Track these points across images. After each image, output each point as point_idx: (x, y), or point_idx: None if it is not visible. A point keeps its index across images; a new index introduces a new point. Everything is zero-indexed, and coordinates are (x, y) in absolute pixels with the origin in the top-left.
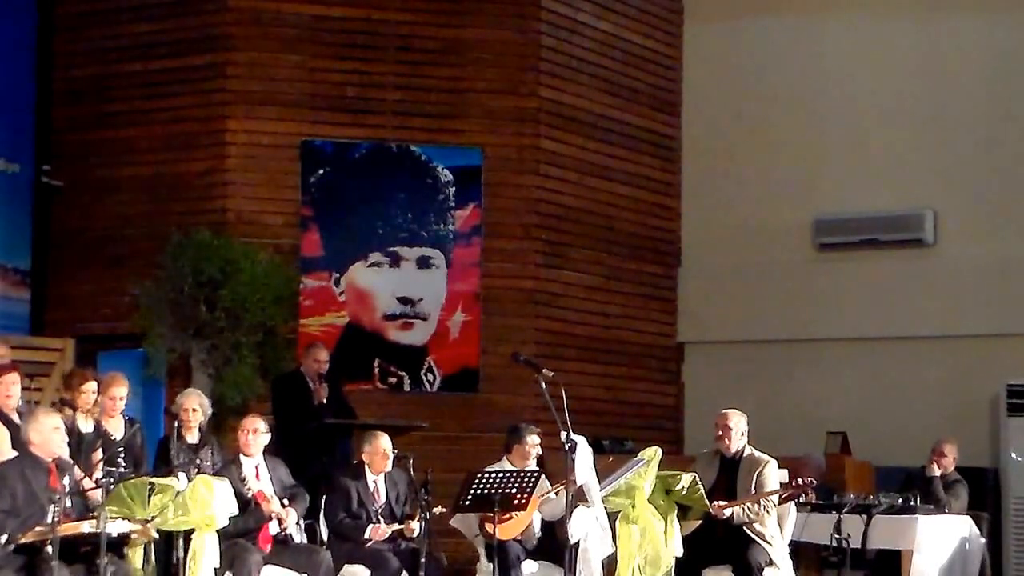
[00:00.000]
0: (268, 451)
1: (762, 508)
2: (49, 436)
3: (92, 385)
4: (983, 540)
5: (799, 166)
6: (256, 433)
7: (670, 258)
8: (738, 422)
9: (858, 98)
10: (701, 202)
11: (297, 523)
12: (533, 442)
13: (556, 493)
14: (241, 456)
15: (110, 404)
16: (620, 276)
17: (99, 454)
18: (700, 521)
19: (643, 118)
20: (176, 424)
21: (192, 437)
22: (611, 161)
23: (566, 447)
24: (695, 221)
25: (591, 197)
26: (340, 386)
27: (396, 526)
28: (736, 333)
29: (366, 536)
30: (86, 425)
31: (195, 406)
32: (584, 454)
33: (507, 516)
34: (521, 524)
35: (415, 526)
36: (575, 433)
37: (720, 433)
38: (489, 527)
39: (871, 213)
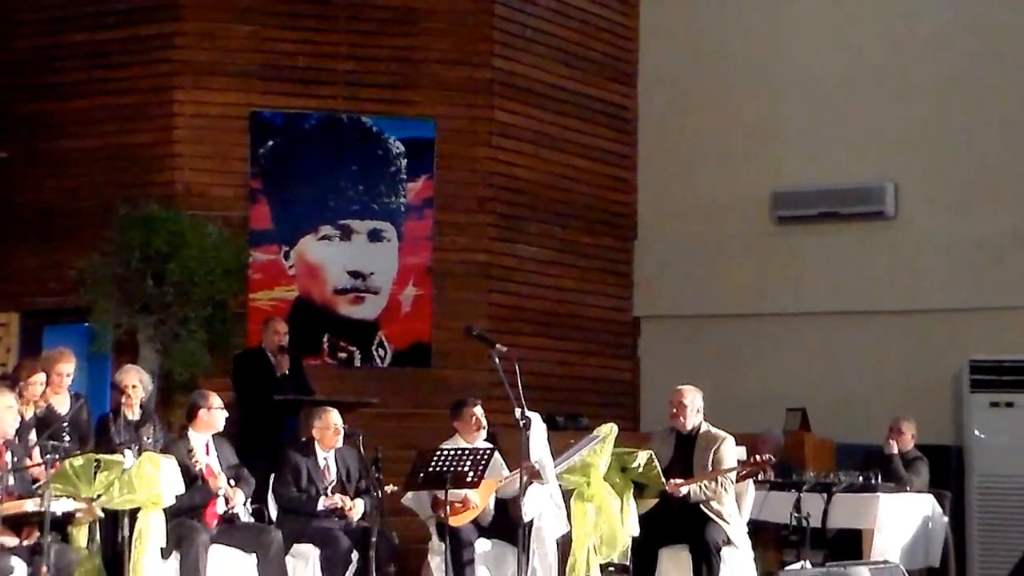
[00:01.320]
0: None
1: (719, 486)
2: (1, 415)
3: (41, 377)
4: (946, 519)
5: (757, 138)
6: (221, 410)
7: (626, 231)
8: (693, 399)
9: (818, 68)
10: (657, 174)
11: (244, 504)
12: (475, 412)
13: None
14: (190, 431)
15: (56, 380)
16: (575, 250)
17: (34, 437)
18: (656, 499)
19: (599, 89)
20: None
21: (133, 414)
22: (566, 133)
23: (520, 424)
24: (651, 194)
25: (545, 169)
26: (301, 362)
27: (347, 499)
28: (693, 307)
29: (319, 507)
30: (27, 412)
31: (135, 382)
32: (538, 431)
33: (462, 508)
34: (474, 512)
35: (357, 507)
36: (529, 409)
37: (675, 410)
38: (442, 512)
39: (830, 185)
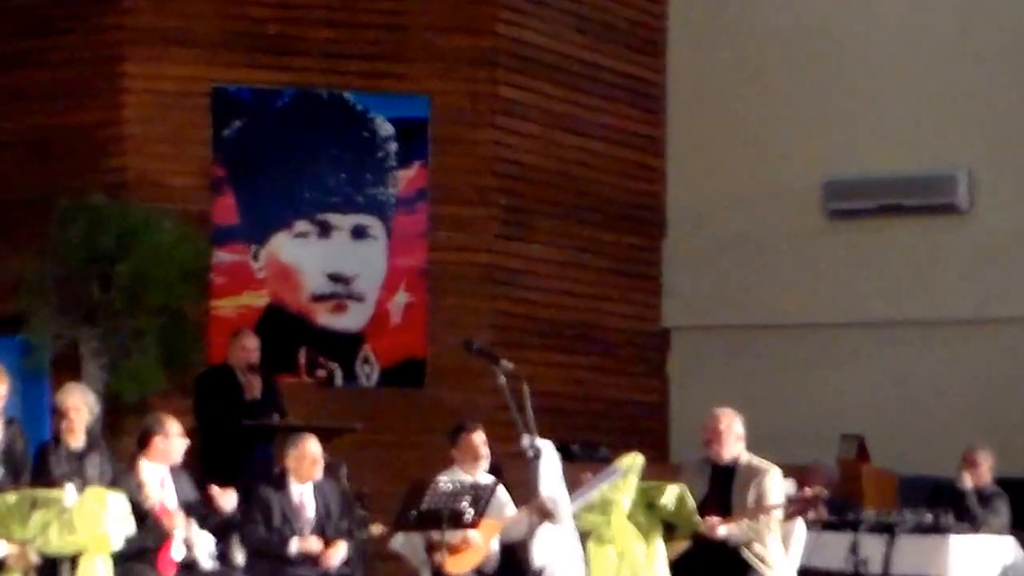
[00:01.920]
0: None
1: (763, 526)
2: None
3: None
4: None
5: (806, 118)
6: (180, 438)
7: (653, 228)
8: (731, 424)
9: (878, 37)
10: (690, 161)
11: (206, 547)
12: (476, 440)
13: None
14: (142, 462)
15: None
16: (594, 249)
17: None
18: (689, 542)
19: (621, 61)
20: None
21: (76, 442)
22: (583, 112)
23: (529, 454)
24: (683, 184)
25: (559, 155)
26: (274, 379)
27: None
28: (732, 317)
29: (291, 549)
30: None
31: (78, 405)
32: (550, 462)
33: (461, 547)
34: (477, 556)
35: (336, 554)
36: (540, 437)
37: (710, 438)
38: (437, 557)
39: (892, 173)
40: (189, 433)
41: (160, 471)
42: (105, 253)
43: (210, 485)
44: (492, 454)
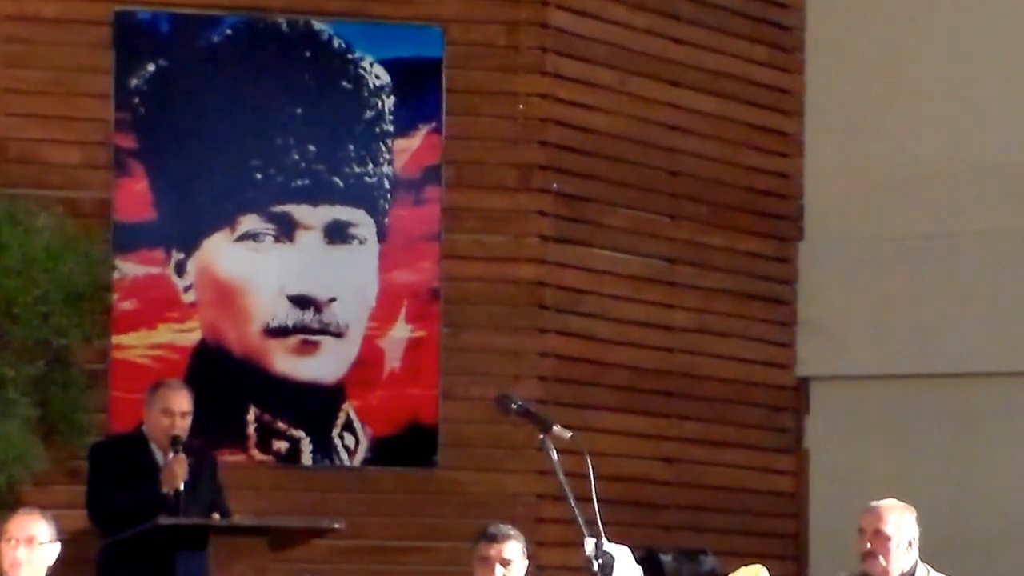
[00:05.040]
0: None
1: None
2: None
3: None
4: None
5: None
6: (32, 545)
7: (784, 227)
8: (901, 524)
9: None
10: (838, 128)
11: None
12: (495, 552)
13: None
14: None
15: None
16: (694, 258)
17: None
18: None
19: None
20: None
21: None
22: (678, 52)
23: (593, 566)
24: (829, 162)
25: (642, 115)
26: (212, 460)
27: None
28: (899, 362)
29: None
30: None
31: None
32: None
33: None
34: None
35: None
36: (611, 540)
37: (869, 544)
38: None
39: None
40: (78, 536)
41: None
42: None
43: None
44: (540, 567)
